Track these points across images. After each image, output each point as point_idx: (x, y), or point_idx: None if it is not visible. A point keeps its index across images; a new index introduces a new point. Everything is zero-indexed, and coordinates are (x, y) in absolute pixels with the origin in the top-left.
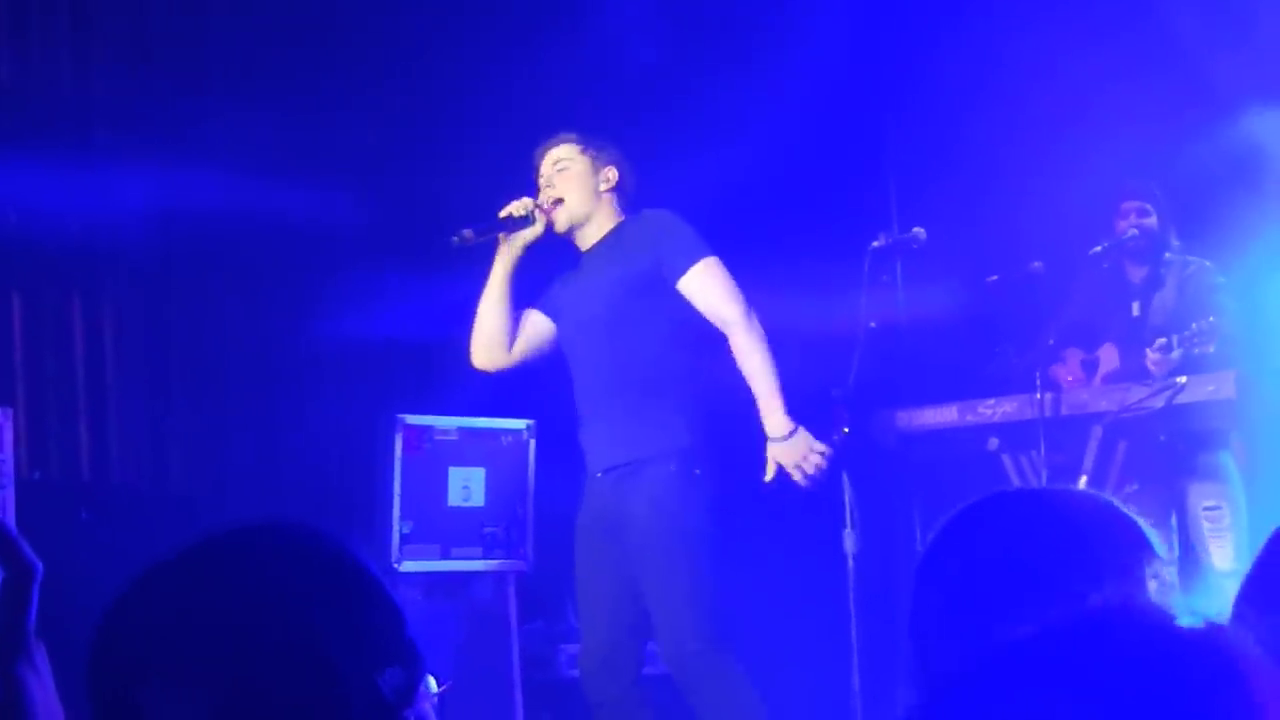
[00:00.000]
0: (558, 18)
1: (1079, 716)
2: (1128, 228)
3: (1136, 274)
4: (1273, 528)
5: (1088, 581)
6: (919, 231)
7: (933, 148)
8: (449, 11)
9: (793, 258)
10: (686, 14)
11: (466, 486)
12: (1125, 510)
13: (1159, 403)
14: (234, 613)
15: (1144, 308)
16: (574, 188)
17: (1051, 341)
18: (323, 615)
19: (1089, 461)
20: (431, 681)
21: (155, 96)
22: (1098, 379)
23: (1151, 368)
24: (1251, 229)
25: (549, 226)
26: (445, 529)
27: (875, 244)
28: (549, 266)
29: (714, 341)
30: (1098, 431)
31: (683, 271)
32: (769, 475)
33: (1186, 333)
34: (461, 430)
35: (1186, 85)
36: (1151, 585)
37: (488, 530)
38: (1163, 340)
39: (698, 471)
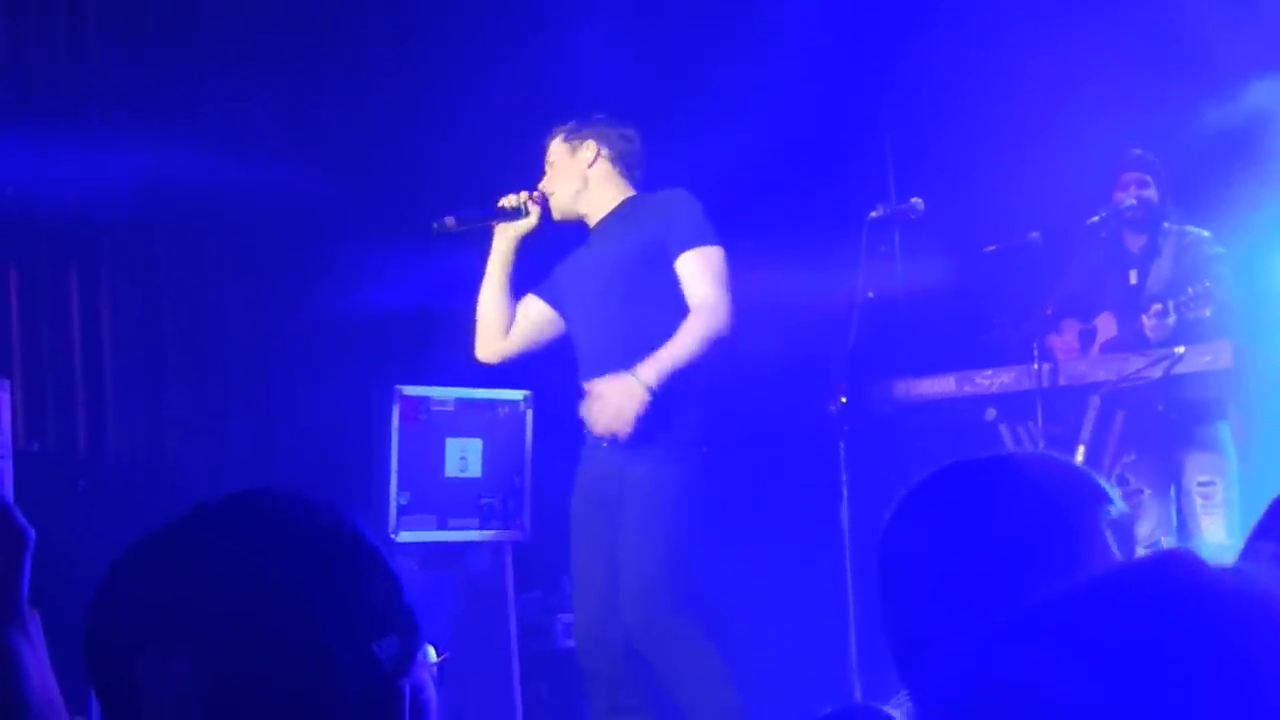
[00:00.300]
0: None
1: (1128, 672)
2: (1126, 198)
3: (1135, 243)
4: (1269, 498)
5: (1041, 539)
6: (917, 202)
7: (930, 118)
8: None
9: (791, 229)
10: None
11: (464, 457)
12: (1076, 465)
13: (1157, 373)
14: (228, 581)
15: (1141, 276)
16: (557, 179)
17: (1049, 311)
18: (317, 583)
19: (1086, 431)
20: (430, 651)
21: (151, 71)
22: (1095, 348)
23: (1148, 333)
24: (1250, 201)
25: (546, 217)
26: (442, 500)
27: (873, 214)
28: (556, 255)
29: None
30: (1095, 401)
31: (682, 251)
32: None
33: (1182, 297)
34: (459, 401)
35: (1186, 56)
36: (1108, 535)
37: (485, 501)
38: (1158, 305)
39: (704, 449)
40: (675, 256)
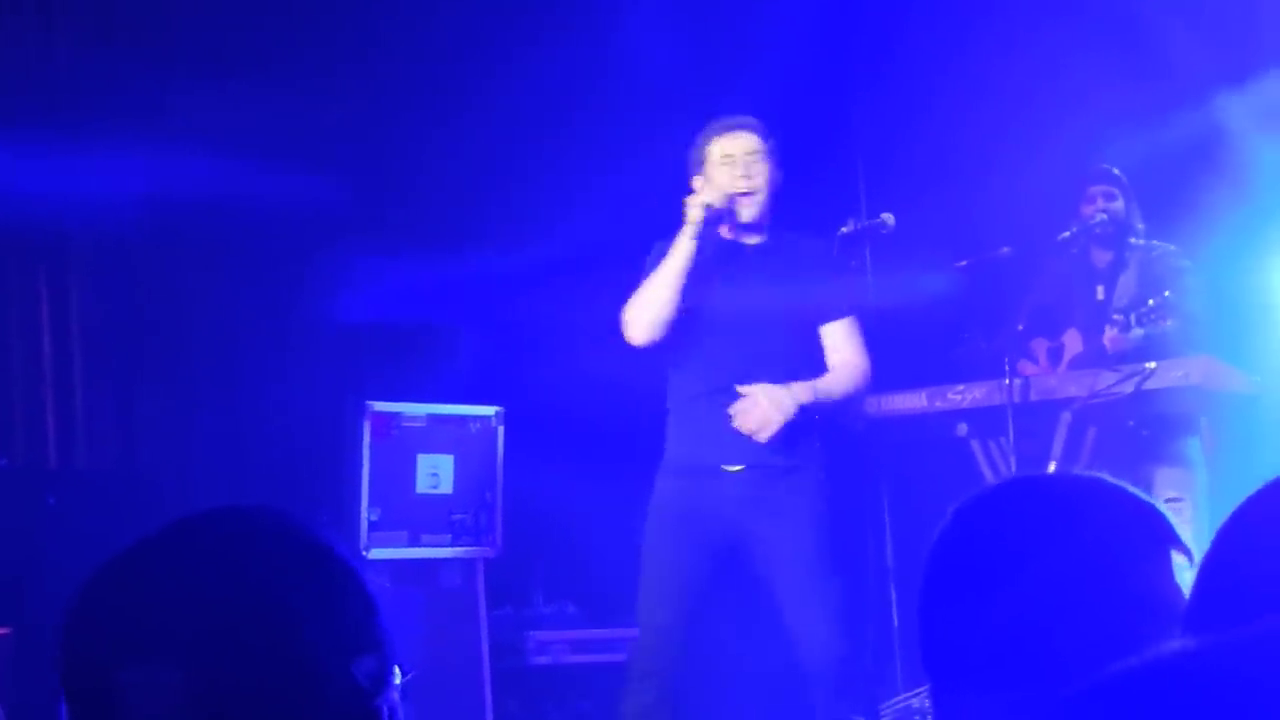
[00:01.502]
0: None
1: None
2: (1095, 212)
3: (1102, 258)
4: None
5: (1114, 571)
6: (887, 217)
7: (901, 133)
8: None
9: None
10: (655, 3)
11: (435, 473)
12: (1143, 496)
13: (1128, 388)
14: (212, 594)
15: (1108, 291)
16: (766, 183)
17: (1020, 327)
18: (300, 599)
19: (1058, 448)
20: (396, 670)
21: (121, 77)
22: (1063, 365)
23: (1108, 345)
24: (1216, 214)
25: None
26: (413, 516)
27: (844, 229)
28: None
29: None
30: (1066, 417)
31: (831, 319)
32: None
33: (1143, 309)
34: (430, 417)
35: (1154, 69)
36: (1183, 576)
37: (456, 517)
38: (1119, 317)
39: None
40: (822, 322)
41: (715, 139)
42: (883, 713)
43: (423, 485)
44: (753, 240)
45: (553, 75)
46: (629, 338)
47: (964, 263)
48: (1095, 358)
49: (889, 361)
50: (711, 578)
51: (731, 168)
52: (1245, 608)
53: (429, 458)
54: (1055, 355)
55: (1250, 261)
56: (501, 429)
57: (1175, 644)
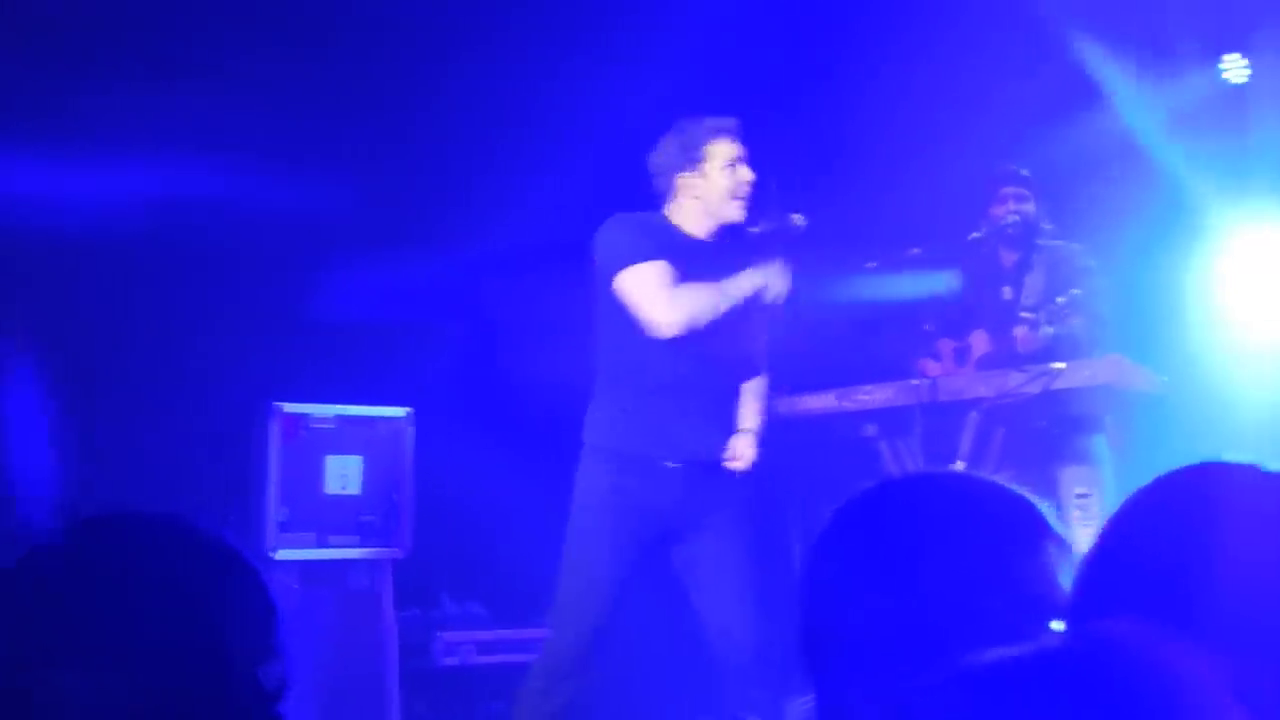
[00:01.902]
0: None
1: None
2: (1006, 213)
3: (1009, 259)
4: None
5: (991, 566)
6: (797, 218)
7: (812, 133)
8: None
9: None
10: (558, 6)
11: (344, 474)
12: (1019, 490)
13: (1036, 388)
14: (123, 596)
15: (1015, 291)
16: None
17: (929, 328)
18: (212, 604)
19: (965, 448)
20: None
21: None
22: (970, 365)
23: (1019, 346)
24: (1124, 215)
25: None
26: (322, 517)
27: (754, 229)
28: None
29: (560, 341)
30: (974, 418)
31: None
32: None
33: (1052, 307)
34: (339, 418)
35: (1061, 72)
36: (1058, 568)
37: (365, 518)
38: (1029, 315)
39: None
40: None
41: (719, 141)
42: (789, 712)
43: (331, 486)
44: (707, 237)
45: (464, 79)
46: (660, 330)
47: (874, 264)
48: (1003, 358)
49: (798, 362)
50: (639, 573)
51: (734, 171)
52: (1123, 600)
53: (338, 459)
54: (961, 355)
55: (1157, 261)
56: (411, 430)
57: (1022, 646)
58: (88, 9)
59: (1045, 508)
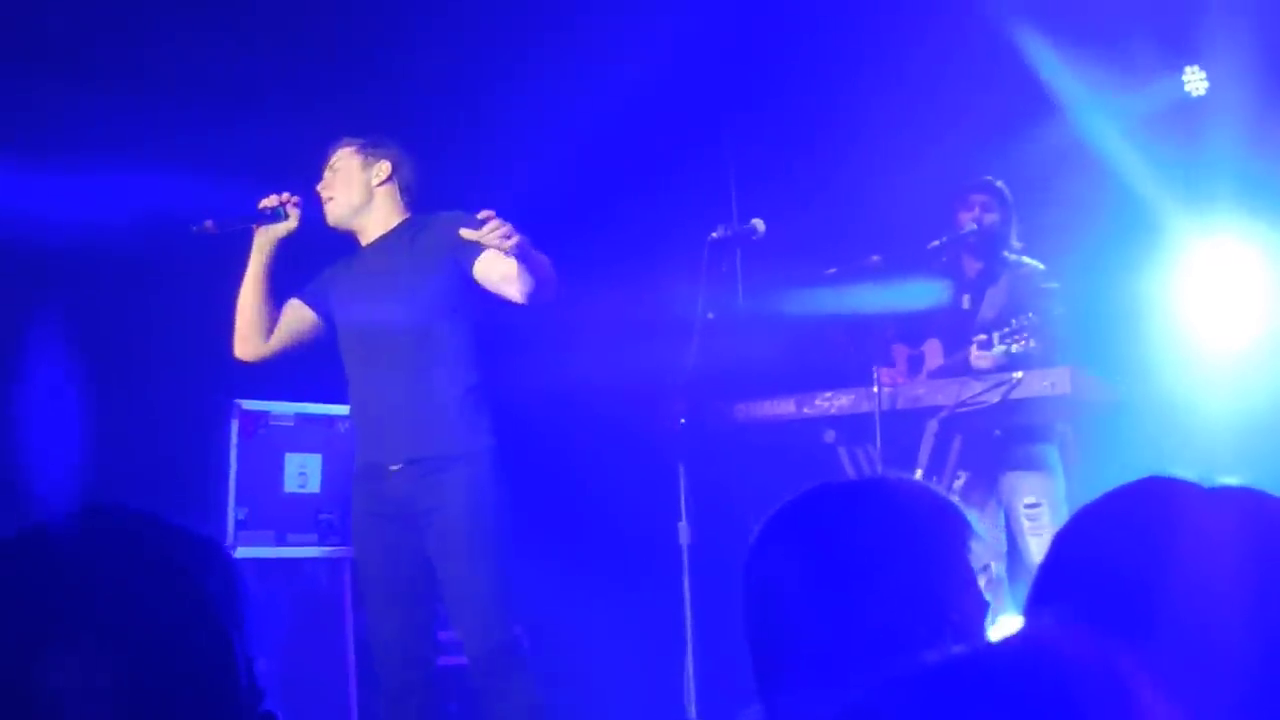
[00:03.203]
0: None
1: None
2: (969, 220)
3: (972, 267)
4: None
5: (915, 567)
6: (758, 223)
7: (773, 140)
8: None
9: (631, 248)
10: (526, 4)
11: (303, 472)
12: (941, 492)
13: (994, 397)
14: (132, 579)
15: (974, 302)
16: (341, 187)
17: (889, 335)
18: (214, 597)
19: (924, 455)
20: None
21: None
22: (922, 375)
23: (975, 363)
24: (1078, 225)
25: (302, 222)
26: (281, 515)
27: (714, 235)
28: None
29: (513, 343)
30: (933, 426)
31: (478, 252)
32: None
33: (1006, 329)
34: (298, 416)
35: (1023, 82)
36: (976, 567)
37: (323, 517)
38: (983, 336)
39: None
40: (470, 265)
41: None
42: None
43: (290, 484)
44: (371, 239)
45: (413, 84)
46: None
47: (833, 270)
48: (956, 370)
49: (758, 367)
50: (402, 576)
51: (320, 189)
52: (1072, 609)
53: (297, 457)
54: (915, 363)
55: (1115, 271)
56: None
57: (957, 648)
58: (86, 19)
59: (967, 510)
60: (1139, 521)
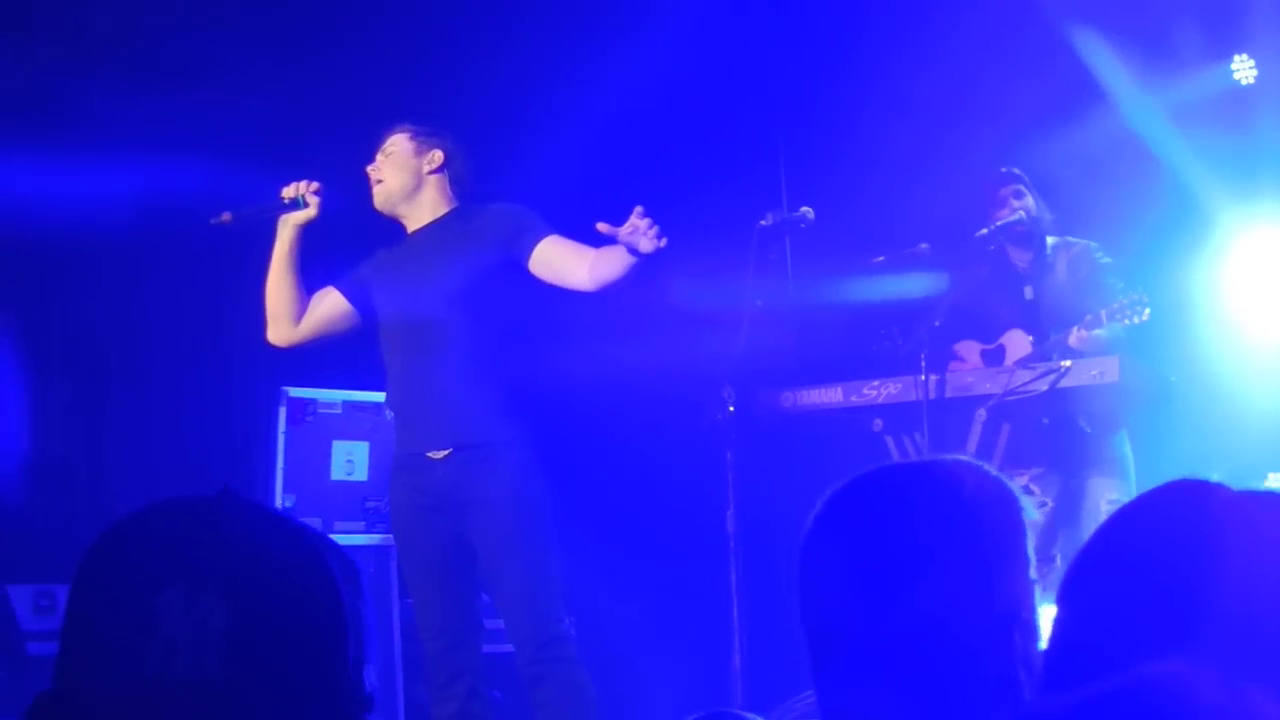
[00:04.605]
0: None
1: None
2: (1010, 213)
3: (1021, 258)
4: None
5: (970, 551)
6: (807, 211)
7: (823, 127)
8: None
9: (681, 235)
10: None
11: (350, 460)
12: (1003, 479)
13: (1043, 386)
14: (269, 546)
15: (1037, 291)
16: (392, 169)
17: (937, 323)
18: (341, 582)
19: (972, 444)
20: None
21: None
22: (1009, 365)
23: (1074, 345)
24: (1126, 216)
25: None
26: (328, 503)
27: (763, 222)
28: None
29: (562, 331)
30: (981, 414)
31: (535, 244)
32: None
33: (1114, 305)
34: (346, 404)
35: (1069, 71)
36: (1027, 541)
37: (370, 504)
38: (1090, 317)
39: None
40: (527, 255)
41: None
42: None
43: (337, 472)
44: (418, 227)
45: (479, 70)
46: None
47: (881, 258)
48: (1042, 358)
49: (806, 355)
50: (446, 564)
51: (370, 172)
52: (1106, 615)
53: (344, 444)
54: (994, 357)
55: (1164, 262)
56: None
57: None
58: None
59: (1022, 497)
60: (1174, 524)
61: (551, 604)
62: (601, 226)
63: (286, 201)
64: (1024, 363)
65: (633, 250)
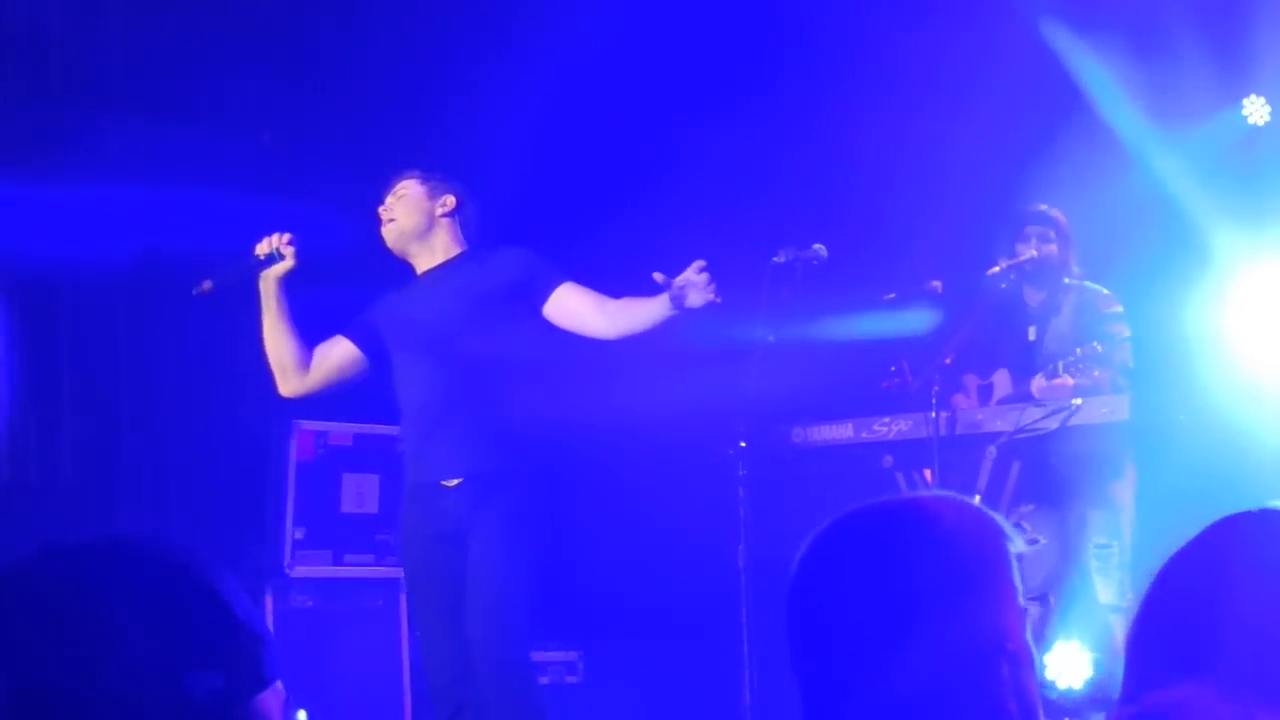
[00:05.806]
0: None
1: None
2: (1028, 250)
3: (1034, 298)
4: (1159, 554)
5: (953, 581)
6: (819, 248)
7: (836, 166)
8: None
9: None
10: (606, 35)
11: (361, 492)
12: (981, 509)
13: (1053, 424)
14: (31, 606)
15: (1040, 333)
16: (405, 210)
17: (948, 361)
18: (127, 614)
19: (983, 481)
20: (301, 714)
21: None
22: (992, 404)
23: (1035, 392)
24: (1133, 255)
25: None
26: (338, 535)
27: (776, 259)
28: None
29: (573, 367)
30: (992, 451)
31: (550, 291)
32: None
33: (1071, 358)
34: (356, 436)
35: (1087, 114)
36: (1014, 575)
37: (381, 537)
38: (1051, 367)
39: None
40: (542, 302)
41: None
42: None
43: (348, 504)
44: (427, 268)
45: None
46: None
47: (893, 295)
48: (1024, 399)
49: (817, 391)
50: (452, 595)
51: (381, 213)
52: (1180, 656)
53: (355, 476)
54: (985, 393)
55: (1171, 299)
56: None
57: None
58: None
59: (1009, 529)
60: (1243, 560)
61: (517, 629)
62: (658, 276)
63: (262, 258)
64: (1006, 402)
65: (677, 302)
